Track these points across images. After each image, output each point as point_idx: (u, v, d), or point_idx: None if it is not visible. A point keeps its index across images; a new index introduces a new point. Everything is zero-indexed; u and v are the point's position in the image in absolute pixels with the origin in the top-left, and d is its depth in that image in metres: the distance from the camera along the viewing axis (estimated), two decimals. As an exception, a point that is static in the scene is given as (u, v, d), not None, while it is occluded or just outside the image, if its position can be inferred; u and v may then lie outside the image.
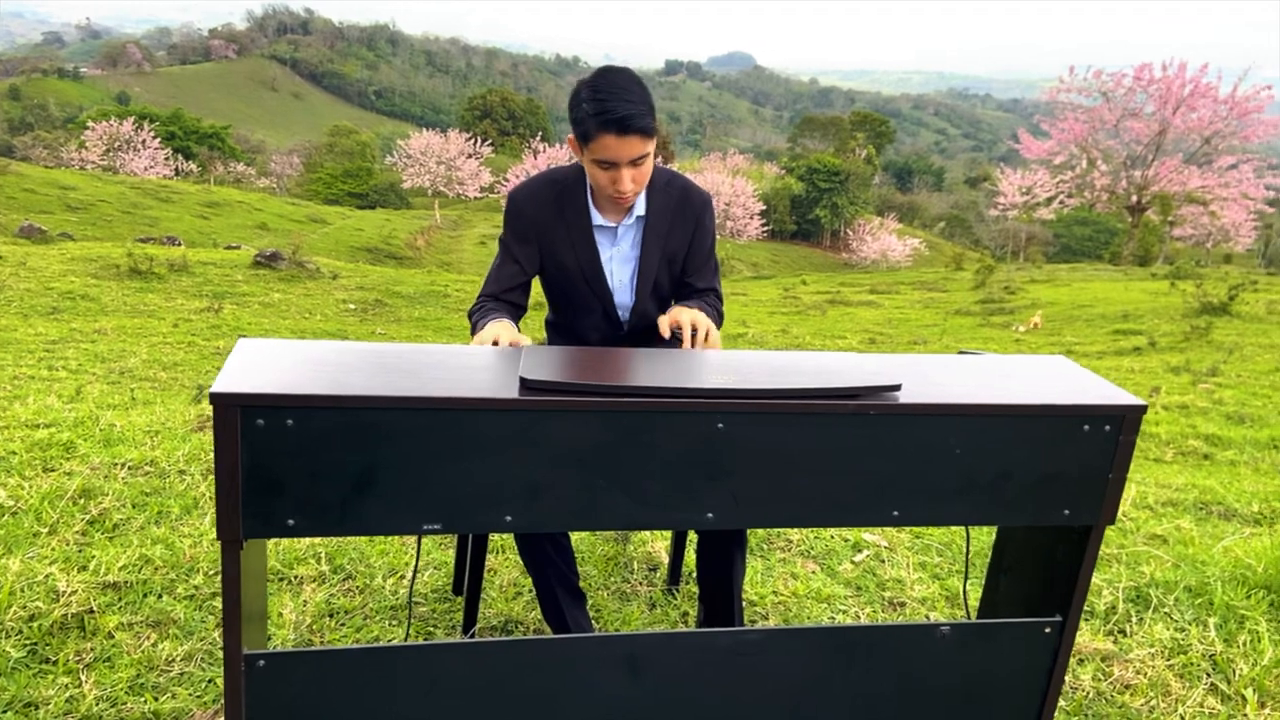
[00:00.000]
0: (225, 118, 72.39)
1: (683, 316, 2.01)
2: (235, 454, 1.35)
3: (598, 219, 2.13)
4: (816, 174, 52.66)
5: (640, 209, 2.14)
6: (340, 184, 51.36)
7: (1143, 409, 1.61)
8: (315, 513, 1.42)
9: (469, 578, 2.26)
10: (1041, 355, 1.86)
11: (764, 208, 45.19)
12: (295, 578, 2.52)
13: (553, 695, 1.61)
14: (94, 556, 2.47)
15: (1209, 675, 2.45)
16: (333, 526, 1.44)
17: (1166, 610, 2.72)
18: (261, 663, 1.48)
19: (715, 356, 1.69)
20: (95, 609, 2.24)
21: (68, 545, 2.54)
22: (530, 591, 2.57)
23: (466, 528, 1.50)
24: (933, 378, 1.67)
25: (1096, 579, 2.87)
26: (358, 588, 2.51)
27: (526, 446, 1.46)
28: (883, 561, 2.96)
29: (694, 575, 2.77)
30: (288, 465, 1.38)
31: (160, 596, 2.36)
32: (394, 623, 2.38)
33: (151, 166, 39.37)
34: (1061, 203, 35.02)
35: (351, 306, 13.98)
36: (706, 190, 2.24)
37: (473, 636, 2.30)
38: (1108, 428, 1.60)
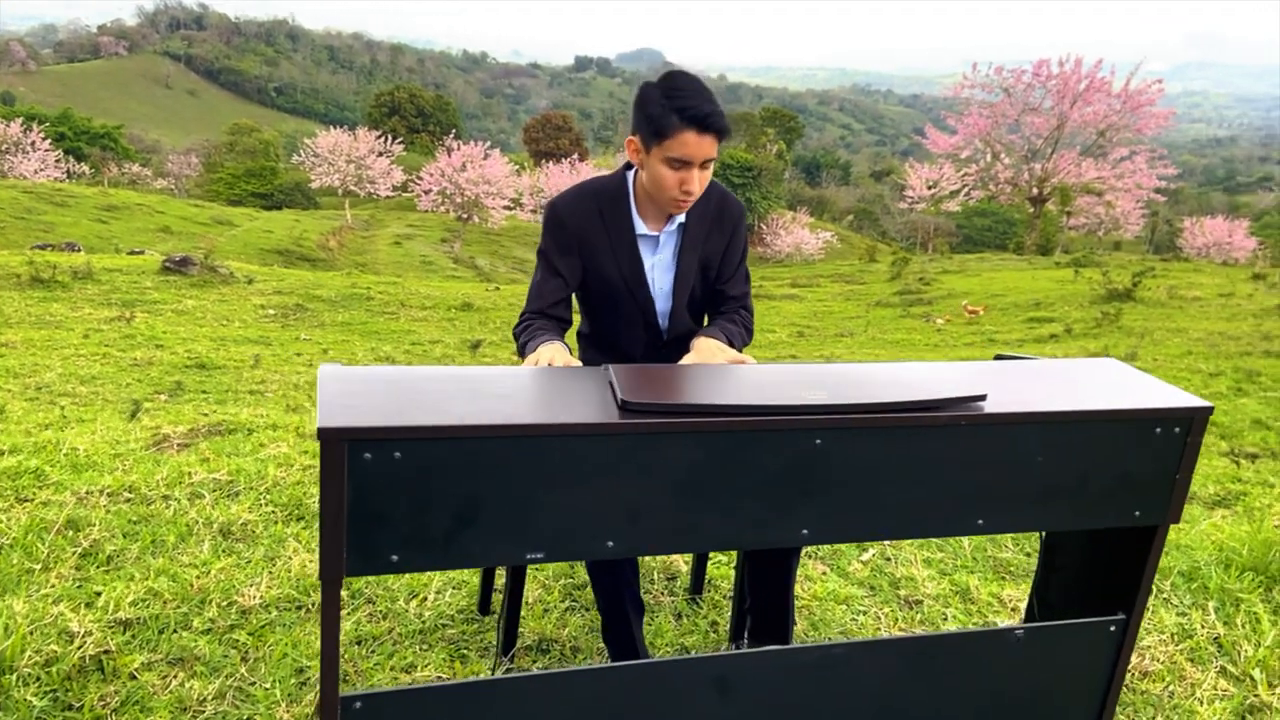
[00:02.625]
0: (117, 117, 69.48)
1: (702, 358, 2.00)
2: (342, 490, 1.29)
3: (641, 228, 2.11)
4: (730, 169, 53.07)
5: (681, 215, 2.13)
6: (243, 184, 49.71)
7: (1209, 410, 1.66)
8: (419, 546, 1.36)
9: (508, 599, 2.21)
10: (1091, 358, 1.91)
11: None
12: (314, 605, 2.43)
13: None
14: (98, 593, 2.34)
15: (1216, 658, 2.55)
16: (436, 560, 1.39)
17: (1165, 596, 2.82)
18: (358, 704, 1.41)
19: (799, 371, 1.68)
20: (113, 649, 2.11)
21: (66, 581, 2.40)
22: (560, 608, 2.52)
23: (569, 556, 1.47)
24: (1003, 386, 1.69)
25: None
26: (380, 613, 2.44)
27: (628, 470, 1.43)
28: (889, 560, 3.00)
29: (710, 582, 2.76)
30: (394, 499, 1.33)
31: (176, 632, 2.24)
32: (424, 647, 2.32)
33: (42, 169, 37.48)
34: (968, 195, 36.11)
35: (271, 312, 13.56)
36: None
37: (512, 658, 2.25)
38: (1177, 429, 1.65)
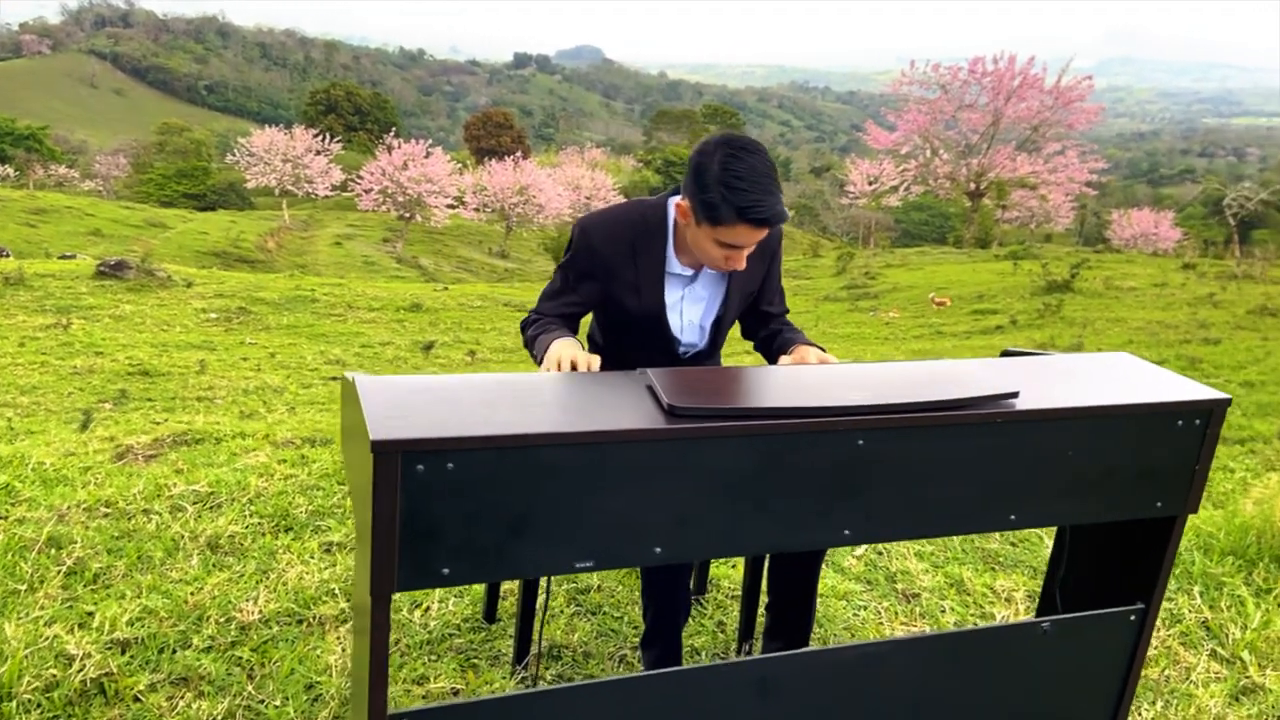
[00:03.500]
0: (42, 118, 67.13)
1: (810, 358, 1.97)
2: (395, 502, 1.26)
3: (674, 266, 2.04)
4: (673, 166, 53.31)
5: None
6: (174, 185, 48.44)
7: (1228, 402, 1.70)
8: (470, 558, 1.33)
9: (521, 606, 2.18)
10: (1105, 353, 1.94)
11: (624, 200, 45.36)
12: (316, 619, 2.37)
13: (691, 725, 1.57)
14: (90, 613, 2.25)
15: (1206, 642, 2.62)
16: (486, 571, 1.36)
17: (1152, 582, 2.89)
18: (406, 722, 1.38)
19: (836, 372, 1.68)
20: (114, 671, 2.04)
21: (55, 602, 2.31)
22: (566, 613, 2.50)
23: (617, 563, 1.45)
24: (1027, 382, 1.71)
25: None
26: (385, 623, 2.38)
27: (676, 474, 1.42)
28: (881, 554, 3.03)
29: (712, 581, 2.76)
30: (446, 511, 1.30)
31: (176, 651, 2.17)
32: (433, 658, 2.27)
33: (-37, 171, 36.16)
34: (908, 190, 36.69)
35: (213, 316, 13.26)
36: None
37: (525, 666, 2.22)
38: (1197, 421, 1.69)
